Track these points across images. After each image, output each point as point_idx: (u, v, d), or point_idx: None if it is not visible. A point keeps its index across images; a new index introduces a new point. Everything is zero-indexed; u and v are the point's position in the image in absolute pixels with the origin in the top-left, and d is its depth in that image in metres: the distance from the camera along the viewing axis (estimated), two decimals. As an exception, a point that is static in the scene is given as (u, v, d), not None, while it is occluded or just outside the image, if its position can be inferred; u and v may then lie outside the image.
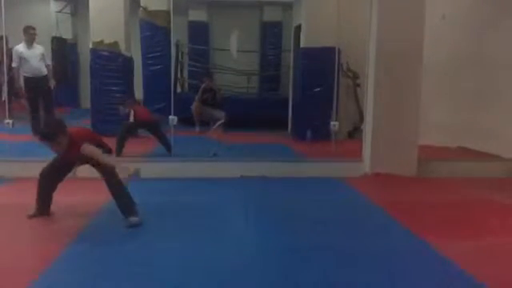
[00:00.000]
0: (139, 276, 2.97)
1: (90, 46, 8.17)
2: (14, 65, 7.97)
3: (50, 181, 4.02)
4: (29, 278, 2.86)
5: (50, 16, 12.30)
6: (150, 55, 10.02)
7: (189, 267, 3.11)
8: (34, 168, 5.36)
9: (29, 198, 4.10)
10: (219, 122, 8.89)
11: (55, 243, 3.46)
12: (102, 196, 4.47)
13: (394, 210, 4.43)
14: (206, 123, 9.21)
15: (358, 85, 8.38)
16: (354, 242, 3.68)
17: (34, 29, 8.10)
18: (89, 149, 3.80)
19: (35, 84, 8.00)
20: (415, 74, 5.82)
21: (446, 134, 7.44)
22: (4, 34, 6.63)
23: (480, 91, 7.05)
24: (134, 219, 3.83)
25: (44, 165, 4.06)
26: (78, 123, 7.83)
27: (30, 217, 4.00)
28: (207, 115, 9.24)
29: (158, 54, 9.85)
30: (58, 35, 12.05)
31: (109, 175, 3.88)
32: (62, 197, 4.11)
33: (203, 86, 9.60)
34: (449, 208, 4.63)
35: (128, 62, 8.26)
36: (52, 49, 9.81)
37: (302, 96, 8.58)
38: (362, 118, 7.11)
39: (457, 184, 5.56)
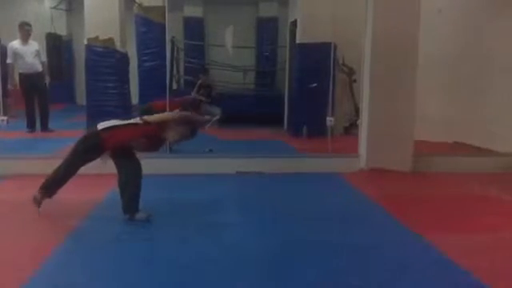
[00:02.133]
0: (135, 272, 2.97)
1: (85, 42, 8.12)
2: (8, 61, 7.94)
3: (77, 168, 3.91)
4: (25, 275, 2.85)
5: (44, 12, 12.21)
6: (146, 51, 9.95)
7: (185, 262, 3.10)
8: (28, 165, 5.35)
9: (23, 195, 4.08)
10: (215, 118, 8.88)
11: (51, 240, 3.45)
12: (98, 193, 4.47)
13: (390, 204, 4.43)
14: (202, 119, 9.18)
15: (354, 80, 8.37)
16: (349, 236, 3.69)
17: (29, 25, 8.07)
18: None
19: (30, 80, 7.97)
20: (411, 68, 5.81)
21: (442, 129, 7.45)
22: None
23: (476, 86, 7.05)
24: (140, 215, 3.84)
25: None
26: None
27: (38, 203, 3.90)
28: (203, 111, 9.23)
29: (154, 50, 9.77)
30: (52, 31, 11.96)
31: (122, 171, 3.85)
32: (57, 194, 4.09)
33: (199, 82, 9.60)
34: (444, 203, 4.64)
35: (123, 58, 8.21)
36: (47, 45, 9.75)
37: (297, 92, 8.56)
38: (358, 114, 7.11)
39: (452, 179, 5.57)
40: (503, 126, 6.47)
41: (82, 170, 3.95)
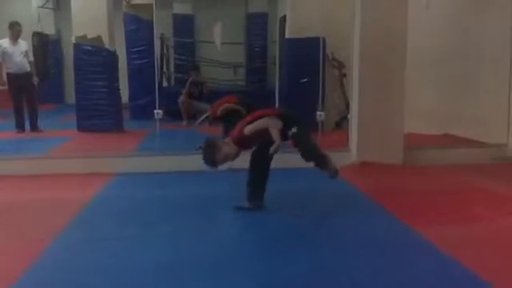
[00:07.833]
0: (125, 271, 2.95)
1: (73, 41, 8.07)
2: None
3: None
4: (12, 275, 2.83)
5: (31, 11, 12.10)
6: (135, 49, 9.92)
7: (177, 260, 3.09)
8: (17, 166, 5.29)
9: (12, 195, 4.04)
10: (205, 115, 8.85)
11: (39, 240, 3.41)
12: (87, 192, 4.44)
13: (381, 197, 4.44)
14: (193, 117, 9.18)
15: (344, 75, 8.37)
16: (340, 229, 3.70)
17: (19, 25, 8.03)
18: None
19: (18, 80, 7.91)
20: (400, 62, 5.81)
21: (431, 122, 7.48)
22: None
23: (465, 78, 7.08)
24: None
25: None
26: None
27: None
28: (194, 108, 9.23)
29: (143, 47, 9.75)
30: (39, 30, 11.85)
31: None
32: (44, 193, 4.06)
33: (190, 79, 9.59)
34: (434, 194, 4.65)
35: (112, 56, 8.16)
36: (33, 44, 9.64)
37: (288, 87, 8.55)
38: (348, 108, 7.11)
39: (443, 171, 5.59)
40: (492, 117, 6.50)
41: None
